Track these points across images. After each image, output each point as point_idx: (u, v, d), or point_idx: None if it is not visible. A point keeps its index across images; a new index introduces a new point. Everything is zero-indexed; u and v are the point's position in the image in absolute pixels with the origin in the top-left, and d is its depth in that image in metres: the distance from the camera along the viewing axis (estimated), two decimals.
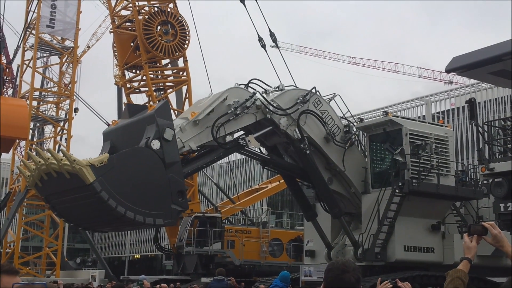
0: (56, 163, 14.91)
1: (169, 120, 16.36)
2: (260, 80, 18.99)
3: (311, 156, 19.09)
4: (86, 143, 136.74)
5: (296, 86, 20.48)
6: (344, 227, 19.65)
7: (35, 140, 41.46)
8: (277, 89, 19.26)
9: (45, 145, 44.46)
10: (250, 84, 18.69)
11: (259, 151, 20.15)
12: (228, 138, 17.86)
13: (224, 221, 32.14)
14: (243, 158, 63.95)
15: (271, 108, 18.47)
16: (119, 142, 16.84)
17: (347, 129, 19.86)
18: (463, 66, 13.04)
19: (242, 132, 18.65)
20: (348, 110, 20.73)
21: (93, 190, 14.57)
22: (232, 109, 17.71)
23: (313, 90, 19.45)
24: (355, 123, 20.65)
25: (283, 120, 18.71)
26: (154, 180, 15.56)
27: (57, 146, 39.09)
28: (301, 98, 19.05)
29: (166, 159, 15.65)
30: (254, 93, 18.36)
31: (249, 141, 18.10)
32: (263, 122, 18.72)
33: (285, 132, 18.80)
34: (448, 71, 14.46)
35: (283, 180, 36.73)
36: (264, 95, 18.71)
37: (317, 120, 19.33)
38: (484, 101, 43.51)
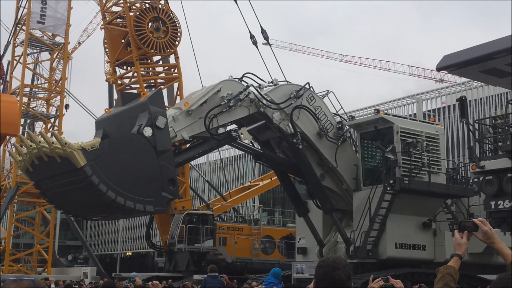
0: (48, 147, 14.85)
1: (162, 108, 16.39)
2: (254, 75, 19.04)
3: (304, 151, 19.13)
4: (77, 139, 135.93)
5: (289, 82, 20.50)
6: (336, 223, 19.69)
7: (25, 136, 41.27)
8: (271, 84, 19.30)
9: None
10: (244, 78, 18.71)
11: (251, 145, 20.12)
12: (221, 130, 17.88)
13: (216, 218, 32.12)
14: (235, 155, 63.94)
15: (264, 102, 18.50)
16: (111, 130, 16.79)
17: (340, 125, 19.90)
18: (454, 64, 13.10)
19: (235, 126, 18.64)
20: (342, 107, 20.76)
21: (84, 174, 14.53)
22: (226, 101, 17.73)
23: (307, 86, 19.49)
24: (347, 120, 20.70)
25: (276, 114, 18.73)
26: (145, 167, 15.53)
27: None
28: (294, 93, 19.08)
29: (158, 147, 15.66)
30: (248, 86, 18.39)
31: (241, 134, 18.10)
32: (256, 116, 18.74)
33: (278, 126, 18.83)
34: (439, 69, 14.53)
35: (275, 178, 36.82)
36: (257, 89, 18.74)
37: (310, 115, 19.37)
38: (475, 100, 43.65)
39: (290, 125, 18.81)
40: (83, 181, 14.74)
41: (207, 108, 17.55)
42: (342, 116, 20.57)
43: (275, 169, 21.59)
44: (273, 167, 21.53)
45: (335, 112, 20.36)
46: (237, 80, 18.60)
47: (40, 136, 16.04)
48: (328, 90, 20.36)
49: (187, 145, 18.69)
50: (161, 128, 15.86)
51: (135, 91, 31.72)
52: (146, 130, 15.54)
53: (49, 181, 16.00)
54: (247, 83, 18.63)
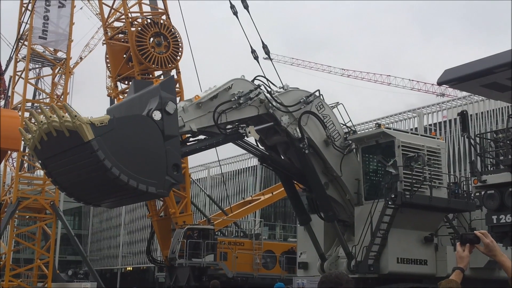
0: (58, 120, 14.94)
1: (173, 95, 16.53)
2: (266, 78, 19.24)
3: (310, 157, 19.18)
4: None
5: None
6: (337, 233, 19.62)
7: (27, 151, 41.27)
8: (281, 89, 19.48)
9: None
10: (255, 81, 18.88)
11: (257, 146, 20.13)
12: (229, 127, 18.05)
13: (216, 233, 32.04)
14: (236, 170, 63.90)
15: (274, 103, 18.67)
16: (121, 115, 16.77)
17: (347, 136, 19.99)
18: (455, 78, 13.12)
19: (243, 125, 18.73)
20: (350, 120, 20.80)
21: (91, 149, 14.58)
22: (236, 98, 17.90)
23: (317, 93, 19.66)
24: (357, 132, 20.84)
25: (285, 117, 18.91)
26: (151, 149, 15.62)
27: None
28: (304, 98, 19.30)
29: (165, 131, 15.77)
30: (258, 86, 18.60)
31: (249, 132, 18.17)
32: (265, 118, 18.93)
33: (286, 130, 18.97)
34: (440, 83, 14.54)
35: (276, 192, 36.89)
36: (268, 90, 18.93)
37: (318, 122, 19.50)
38: (476, 114, 43.64)
39: (297, 130, 18.96)
40: (89, 156, 14.79)
41: (217, 103, 17.75)
42: (350, 127, 20.63)
43: (280, 174, 21.54)
44: (277, 172, 21.49)
45: (343, 123, 20.43)
46: (249, 80, 18.77)
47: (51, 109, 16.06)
48: (338, 102, 20.48)
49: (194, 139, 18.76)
50: (170, 113, 15.99)
51: None
52: (155, 114, 15.69)
53: (55, 160, 16.03)
54: (259, 81, 18.84)
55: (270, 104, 18.63)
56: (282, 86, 19.58)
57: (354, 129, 20.97)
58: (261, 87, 18.66)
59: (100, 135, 14.68)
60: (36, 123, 16.17)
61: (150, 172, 15.46)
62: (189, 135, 18.20)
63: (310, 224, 20.46)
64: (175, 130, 16.24)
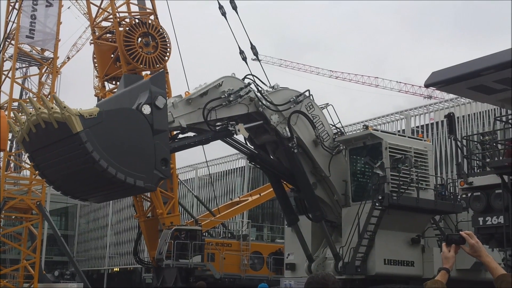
0: (47, 112, 14.87)
1: (163, 90, 16.51)
2: (256, 77, 19.30)
3: (298, 156, 19.20)
4: None
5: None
6: (325, 234, 19.66)
7: (13, 151, 41.01)
8: (271, 88, 19.53)
9: (23, 156, 43.97)
10: (245, 80, 18.92)
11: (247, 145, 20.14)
12: (218, 125, 18.11)
13: (204, 233, 31.98)
14: (224, 171, 63.82)
15: (264, 102, 18.72)
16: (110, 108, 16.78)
17: (335, 137, 20.05)
18: (442, 81, 13.18)
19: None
20: (339, 121, 20.85)
21: (79, 140, 14.53)
22: (226, 95, 17.94)
23: (306, 93, 19.70)
24: (346, 133, 20.90)
25: (274, 116, 18.99)
26: (140, 143, 15.61)
27: None
28: (294, 98, 19.39)
29: (154, 125, 15.76)
30: (249, 84, 18.68)
31: (238, 130, 18.18)
32: (254, 116, 18.98)
33: (275, 128, 19.03)
34: (427, 85, 14.59)
35: (263, 193, 36.88)
36: (258, 89, 18.99)
37: (308, 122, 19.55)
38: (463, 116, 43.89)
39: (287, 129, 19.01)
40: (77, 148, 14.72)
41: (206, 100, 17.79)
42: (339, 128, 20.67)
43: (268, 173, 21.53)
44: (266, 171, 21.47)
45: (332, 124, 20.47)
46: (239, 78, 18.83)
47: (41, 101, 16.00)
48: (328, 103, 20.53)
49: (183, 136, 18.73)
50: (160, 108, 15.98)
51: None
52: (144, 108, 15.69)
53: (43, 152, 15.93)
54: (249, 79, 18.96)
55: (260, 103, 18.69)
56: (272, 86, 19.63)
57: (343, 130, 21.02)
58: (251, 85, 18.71)
59: (89, 127, 14.65)
60: (25, 115, 16.07)
61: (138, 165, 15.43)
62: (177, 132, 18.17)
63: (297, 224, 20.47)
64: (165, 125, 16.22)
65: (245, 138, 19.55)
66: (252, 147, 20.06)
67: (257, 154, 19.63)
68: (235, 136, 18.84)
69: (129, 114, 15.71)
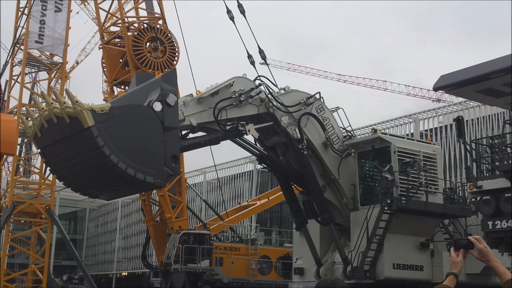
0: (59, 107, 14.99)
1: (175, 88, 16.56)
2: (267, 78, 19.36)
3: (308, 158, 19.21)
4: None
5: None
6: (334, 237, 19.60)
7: (22, 155, 41.19)
8: (282, 90, 19.61)
9: (32, 161, 44.17)
10: (256, 81, 18.98)
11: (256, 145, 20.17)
12: (228, 124, 18.22)
13: (212, 238, 31.98)
14: (232, 175, 63.84)
15: (274, 103, 18.80)
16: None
17: (345, 140, 20.07)
18: (451, 84, 13.11)
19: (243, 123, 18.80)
20: (350, 125, 20.82)
21: (90, 135, 14.62)
22: (237, 95, 18.02)
23: (317, 96, 19.81)
24: (356, 136, 20.89)
25: (285, 118, 19.06)
26: (151, 140, 15.67)
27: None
28: (304, 100, 19.46)
29: (165, 122, 15.80)
30: (260, 84, 18.75)
31: (249, 130, 18.23)
32: (265, 117, 19.05)
33: (285, 130, 19.07)
34: (435, 89, 14.54)
35: (272, 197, 36.83)
36: (269, 90, 19.06)
37: (318, 125, 19.60)
38: (472, 119, 43.72)
39: (297, 130, 19.06)
40: (88, 143, 14.81)
41: (217, 99, 17.87)
42: (349, 132, 20.65)
43: (278, 175, 21.48)
44: (275, 172, 21.40)
45: (343, 127, 20.46)
46: (250, 79, 18.91)
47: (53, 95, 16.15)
48: (338, 107, 20.54)
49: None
50: (171, 105, 16.02)
51: None
52: (156, 105, 15.74)
53: (54, 148, 16.03)
54: (260, 80, 19.03)
55: (270, 104, 18.76)
56: (283, 88, 19.70)
57: (353, 133, 21.00)
58: (262, 86, 18.80)
59: (100, 122, 14.75)
60: (38, 110, 16.24)
61: (148, 162, 15.49)
62: (186, 131, 18.23)
63: (306, 227, 20.46)
64: (175, 122, 16.27)
65: (255, 140, 19.61)
66: (262, 148, 20.08)
67: (267, 155, 19.64)
68: (245, 136, 18.90)
69: (140, 110, 15.79)
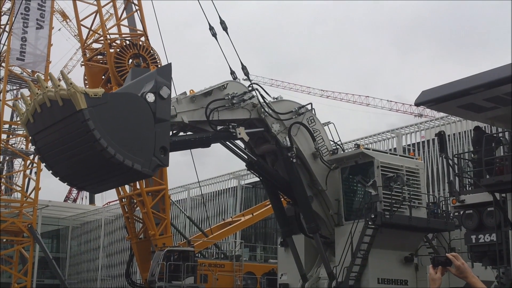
0: (53, 90, 15.07)
1: (169, 82, 16.61)
2: (260, 86, 19.54)
3: (296, 167, 19.25)
4: None
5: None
6: (319, 248, 19.59)
7: (4, 173, 40.81)
8: (275, 99, 19.87)
9: (14, 178, 43.74)
10: (249, 88, 19.17)
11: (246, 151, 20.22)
12: (220, 127, 18.31)
13: (197, 254, 31.82)
14: (215, 191, 63.68)
15: (266, 109, 19.01)
16: None
17: (336, 152, 20.20)
18: (432, 99, 13.24)
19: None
20: (339, 139, 20.95)
21: (82, 117, 14.65)
22: (230, 97, 18.20)
23: (308, 107, 20.07)
24: (345, 150, 21.01)
25: (276, 125, 19.30)
26: (141, 129, 15.74)
27: (26, 179, 38.48)
28: (296, 109, 19.67)
29: (157, 114, 15.85)
30: (253, 89, 18.98)
31: (239, 133, 18.29)
32: (256, 123, 19.23)
33: (276, 137, 19.21)
34: (417, 104, 14.65)
35: (256, 213, 36.80)
36: (262, 96, 19.28)
37: (308, 135, 19.80)
38: (454, 134, 44.05)
39: (287, 138, 19.21)
40: (79, 126, 14.84)
41: (210, 99, 18.06)
42: (340, 146, 20.76)
43: (266, 182, 21.45)
44: (263, 179, 21.31)
45: (332, 140, 20.57)
46: (244, 84, 19.20)
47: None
48: (329, 122, 20.72)
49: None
50: (164, 98, 16.09)
51: None
52: (149, 96, 15.82)
53: (46, 133, 16.05)
54: (254, 84, 19.35)
55: (262, 110, 18.96)
56: (275, 97, 19.95)
57: (342, 147, 21.13)
58: (255, 90, 19.04)
59: (93, 106, 14.82)
60: (32, 95, 16.29)
61: (137, 150, 15.56)
62: (177, 130, 18.27)
63: (292, 238, 20.47)
64: (167, 115, 16.32)
65: (245, 147, 19.66)
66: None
67: (256, 161, 19.71)
68: (235, 141, 19.07)
69: (133, 99, 15.92)
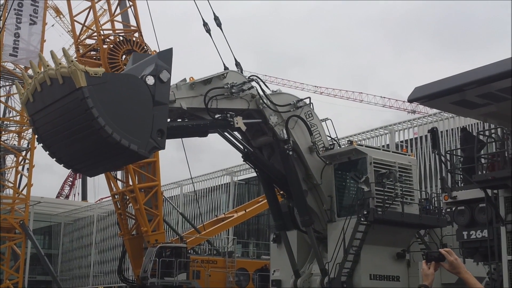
0: (54, 68, 15.13)
1: (169, 66, 16.65)
2: (260, 79, 19.56)
3: (292, 159, 19.27)
4: (54, 172, 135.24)
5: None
6: (312, 242, 19.62)
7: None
8: (274, 91, 19.99)
9: (6, 175, 43.63)
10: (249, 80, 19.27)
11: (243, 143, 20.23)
12: (218, 116, 18.38)
13: (189, 251, 31.81)
14: (208, 187, 63.66)
15: (265, 100, 19.07)
16: None
17: (331, 148, 20.19)
18: (425, 96, 13.26)
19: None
20: (336, 136, 20.98)
21: (81, 95, 14.72)
22: (229, 86, 18.28)
23: (307, 101, 20.16)
24: (341, 146, 21.05)
25: (273, 117, 19.35)
26: (139, 110, 15.80)
27: (18, 176, 38.37)
28: (294, 102, 19.74)
29: (156, 97, 15.91)
30: (252, 79, 19.08)
31: (237, 122, 18.34)
32: (254, 115, 19.28)
33: (273, 129, 19.29)
34: (410, 101, 14.67)
35: (249, 209, 36.80)
36: (261, 88, 19.35)
37: (305, 128, 19.84)
38: (446, 130, 44.15)
39: (284, 131, 19.25)
40: (78, 104, 14.88)
41: (209, 87, 18.11)
42: (336, 141, 20.79)
43: (261, 174, 21.42)
44: (259, 171, 21.26)
45: (329, 136, 20.61)
46: (243, 75, 19.27)
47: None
48: (327, 118, 20.77)
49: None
50: (164, 81, 16.16)
51: None
52: (148, 78, 15.90)
53: (44, 112, 16.04)
54: (254, 77, 19.42)
55: (261, 101, 19.00)
56: (275, 90, 20.08)
57: (339, 143, 21.17)
58: (255, 81, 19.12)
59: (93, 84, 14.88)
60: (34, 74, 16.35)
61: (135, 131, 15.62)
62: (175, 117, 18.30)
63: (285, 233, 20.49)
64: (165, 99, 16.37)
65: (242, 139, 19.68)
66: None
67: (252, 152, 19.74)
68: (233, 132, 19.12)
69: (132, 81, 15.99)
